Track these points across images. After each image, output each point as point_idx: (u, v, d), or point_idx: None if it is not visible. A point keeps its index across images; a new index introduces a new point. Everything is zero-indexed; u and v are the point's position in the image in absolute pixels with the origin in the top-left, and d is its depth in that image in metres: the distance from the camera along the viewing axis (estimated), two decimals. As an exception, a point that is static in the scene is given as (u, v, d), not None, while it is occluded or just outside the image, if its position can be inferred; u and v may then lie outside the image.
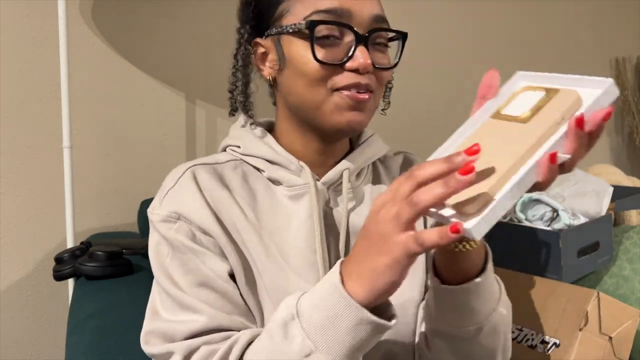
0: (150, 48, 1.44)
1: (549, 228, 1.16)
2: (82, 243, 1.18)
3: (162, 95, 1.46)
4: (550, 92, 0.49)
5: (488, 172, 0.45)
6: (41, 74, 1.31)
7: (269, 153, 0.69)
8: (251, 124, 0.73)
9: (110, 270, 1.08)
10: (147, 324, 0.63)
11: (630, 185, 1.61)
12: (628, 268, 1.16)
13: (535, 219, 1.20)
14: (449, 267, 0.58)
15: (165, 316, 0.62)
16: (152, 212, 0.66)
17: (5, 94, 1.28)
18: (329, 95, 0.63)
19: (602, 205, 1.24)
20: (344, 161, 0.70)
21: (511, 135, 0.47)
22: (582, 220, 1.18)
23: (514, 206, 1.24)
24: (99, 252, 1.08)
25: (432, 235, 0.44)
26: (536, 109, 0.48)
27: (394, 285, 0.49)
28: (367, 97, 0.63)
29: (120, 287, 1.06)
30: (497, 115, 0.51)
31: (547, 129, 0.46)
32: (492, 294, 0.60)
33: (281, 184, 0.69)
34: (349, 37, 0.62)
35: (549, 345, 1.01)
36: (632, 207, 1.34)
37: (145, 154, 1.44)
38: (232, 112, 0.73)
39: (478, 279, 0.56)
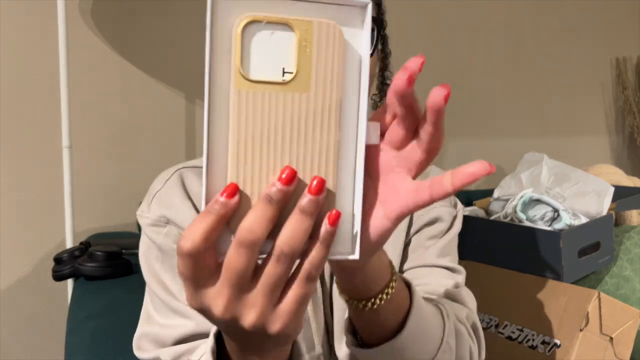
0: (150, 48, 1.44)
1: (549, 228, 1.16)
2: (81, 243, 1.18)
3: (161, 95, 1.46)
4: (300, 27, 0.33)
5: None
6: (40, 74, 1.30)
7: None
8: None
9: (110, 270, 1.07)
10: (141, 328, 0.63)
11: (631, 186, 1.61)
12: (629, 268, 1.16)
13: (536, 218, 1.20)
14: (364, 327, 0.48)
15: (159, 320, 0.61)
16: (141, 216, 0.65)
17: (5, 94, 1.28)
18: None
19: (602, 205, 1.23)
20: None
21: (301, 115, 0.34)
22: (583, 220, 1.18)
23: (514, 206, 1.24)
24: (99, 252, 1.07)
25: (315, 257, 0.34)
26: (305, 63, 0.33)
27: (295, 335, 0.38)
28: None
29: (119, 287, 1.06)
30: (244, 82, 0.33)
31: (336, 99, 0.34)
32: (426, 343, 0.51)
33: None
34: None
35: (549, 346, 1.01)
36: (633, 207, 1.34)
37: (145, 154, 1.44)
38: None
39: (393, 340, 0.47)
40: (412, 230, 0.69)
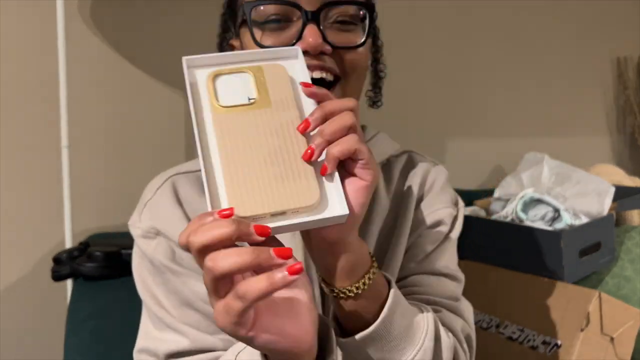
0: (150, 47, 1.43)
1: (550, 228, 1.15)
2: (80, 243, 1.18)
3: (161, 95, 1.46)
4: (254, 71, 0.46)
5: (295, 162, 0.43)
6: (39, 74, 1.30)
7: None
8: None
9: (109, 270, 1.07)
10: (139, 342, 0.62)
11: (631, 186, 1.61)
12: (630, 268, 1.16)
13: (537, 219, 1.20)
14: (346, 316, 0.50)
15: (155, 334, 0.61)
16: (133, 226, 0.64)
17: (4, 93, 1.28)
18: None
19: (603, 205, 1.23)
20: None
21: (269, 122, 0.44)
22: (584, 220, 1.18)
23: (515, 206, 1.24)
24: (98, 253, 1.07)
25: (255, 282, 0.37)
26: (263, 91, 0.45)
27: (267, 346, 0.41)
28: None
29: (118, 287, 1.05)
30: (220, 109, 0.44)
31: (294, 106, 0.45)
32: (401, 344, 0.50)
33: None
34: (298, 17, 0.56)
35: (550, 346, 1.01)
36: (634, 207, 1.34)
37: (145, 154, 1.44)
38: None
39: (358, 335, 0.49)
40: (414, 232, 0.67)
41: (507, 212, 1.26)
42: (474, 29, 1.95)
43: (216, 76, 0.45)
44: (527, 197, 1.23)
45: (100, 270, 1.07)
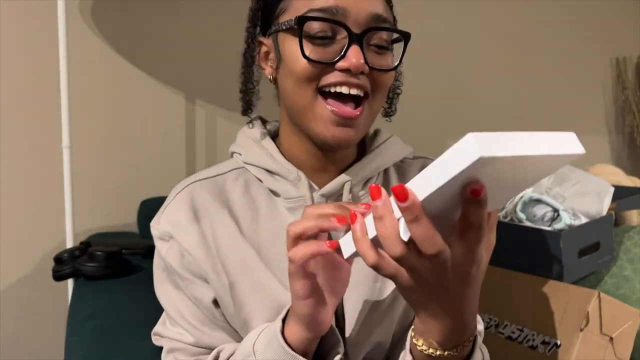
0: (150, 48, 1.44)
1: (549, 228, 1.16)
2: (81, 243, 1.18)
3: (162, 95, 1.46)
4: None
5: None
6: (41, 74, 1.30)
7: (268, 162, 0.68)
8: (249, 122, 0.73)
9: (110, 270, 1.08)
10: (157, 326, 0.70)
11: (631, 185, 1.61)
12: (629, 268, 1.16)
13: (536, 219, 1.20)
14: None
15: (168, 325, 0.68)
16: (153, 227, 0.68)
17: (5, 94, 1.28)
18: (314, 100, 0.61)
19: (602, 205, 1.23)
20: (344, 174, 0.67)
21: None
22: (583, 220, 1.18)
23: (515, 206, 1.24)
24: (99, 252, 1.07)
25: (307, 246, 0.50)
26: None
27: (311, 320, 0.53)
28: (356, 113, 0.60)
29: (119, 287, 1.06)
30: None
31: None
32: None
33: (279, 196, 0.68)
34: (343, 36, 0.60)
35: (549, 346, 1.01)
36: (633, 207, 1.34)
37: (145, 154, 1.44)
38: (244, 112, 0.73)
39: None
40: None
41: (506, 212, 1.27)
42: (473, 29, 1.95)
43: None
44: (526, 197, 1.23)
45: (101, 270, 1.07)
